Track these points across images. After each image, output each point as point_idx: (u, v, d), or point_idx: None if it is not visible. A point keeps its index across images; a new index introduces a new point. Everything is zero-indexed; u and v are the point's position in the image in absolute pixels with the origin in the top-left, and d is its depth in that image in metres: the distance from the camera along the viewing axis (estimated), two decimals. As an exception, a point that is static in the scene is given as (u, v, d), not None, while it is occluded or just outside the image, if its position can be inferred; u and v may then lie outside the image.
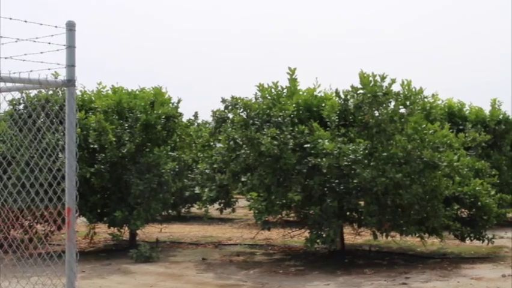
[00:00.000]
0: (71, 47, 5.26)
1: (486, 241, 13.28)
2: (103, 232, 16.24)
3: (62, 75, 5.34)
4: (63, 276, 5.34)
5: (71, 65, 5.33)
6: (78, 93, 15.14)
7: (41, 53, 5.18)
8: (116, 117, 14.44)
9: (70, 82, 5.34)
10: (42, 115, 6.90)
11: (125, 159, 14.17)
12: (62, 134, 5.63)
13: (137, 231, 15.49)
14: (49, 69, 5.20)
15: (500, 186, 17.19)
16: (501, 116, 19.41)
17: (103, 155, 13.79)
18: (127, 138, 14.01)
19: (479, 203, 13.12)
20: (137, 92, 15.41)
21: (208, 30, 68.74)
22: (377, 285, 10.44)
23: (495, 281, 10.52)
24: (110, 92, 15.27)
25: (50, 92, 12.37)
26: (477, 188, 13.15)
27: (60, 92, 11.90)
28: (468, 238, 13.32)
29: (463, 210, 13.73)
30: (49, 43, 5.17)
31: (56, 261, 5.81)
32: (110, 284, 10.96)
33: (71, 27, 5.24)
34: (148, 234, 17.00)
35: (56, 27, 5.14)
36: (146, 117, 14.46)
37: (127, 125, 14.35)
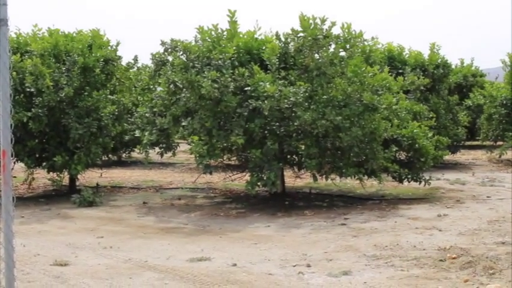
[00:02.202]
0: (2, -16, 5.08)
1: (423, 183, 13.56)
2: (42, 178, 16.04)
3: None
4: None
5: (2, 4, 5.15)
6: (13, 35, 14.77)
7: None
8: (53, 60, 14.12)
9: (2, 21, 5.17)
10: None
11: (64, 103, 13.92)
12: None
13: (78, 176, 15.35)
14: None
15: (438, 129, 17.54)
16: (439, 60, 19.66)
17: (40, 99, 13.51)
18: (64, 82, 13.75)
19: (416, 146, 13.36)
20: (74, 35, 15.08)
21: (148, -27, 67.72)
22: (317, 226, 10.58)
23: (431, 220, 10.77)
24: (46, 34, 14.91)
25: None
26: (415, 131, 13.37)
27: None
28: (406, 180, 13.58)
29: (401, 152, 13.97)
30: (-22, -20, 4.98)
31: (-8, 205, 5.70)
32: (50, 229, 10.87)
33: (1, -37, 5.04)
34: (88, 179, 16.86)
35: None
36: (84, 60, 14.19)
37: (64, 68, 14.07)
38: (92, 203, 13.20)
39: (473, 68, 26.37)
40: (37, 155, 14.39)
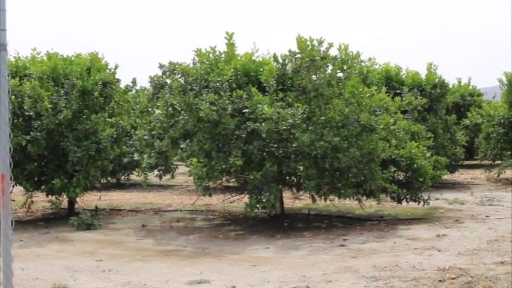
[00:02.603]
0: (1, 10, 5.13)
1: (422, 203, 13.56)
2: (41, 201, 16.03)
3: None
4: (-2, 244, 5.26)
5: (1, 29, 5.20)
6: (12, 59, 14.84)
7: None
8: (52, 83, 14.18)
9: (1, 46, 5.22)
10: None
11: (62, 126, 13.97)
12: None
13: (76, 199, 15.35)
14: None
15: (436, 149, 17.57)
16: (437, 79, 19.73)
17: (39, 122, 13.55)
18: (63, 105, 13.79)
19: (415, 166, 13.37)
20: (73, 58, 15.14)
21: (146, -5, 68.11)
22: (316, 248, 10.57)
23: (430, 240, 10.76)
24: (45, 58, 14.97)
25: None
26: (413, 151, 13.39)
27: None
28: (404, 200, 13.58)
29: (400, 172, 13.97)
30: (-23, 6, 5.03)
31: (-9, 230, 5.70)
32: (49, 253, 10.86)
33: (0, -11, 5.10)
34: (87, 202, 16.84)
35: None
36: (82, 84, 14.23)
37: (63, 91, 14.11)
38: (91, 226, 13.19)
39: (470, 87, 26.49)
40: (36, 178, 14.40)
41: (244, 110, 12.03)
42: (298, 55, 12.41)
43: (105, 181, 19.16)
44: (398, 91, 17.61)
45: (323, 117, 12.13)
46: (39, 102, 13.42)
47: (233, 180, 14.65)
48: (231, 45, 13.35)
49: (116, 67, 15.53)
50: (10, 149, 5.32)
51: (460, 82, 26.31)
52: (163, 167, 13.83)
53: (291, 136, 11.79)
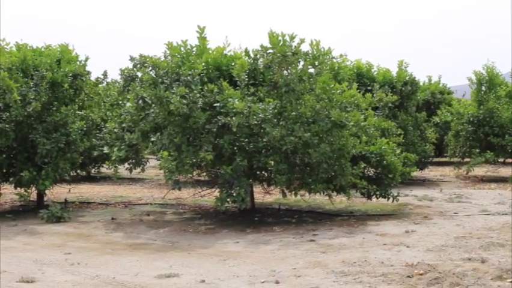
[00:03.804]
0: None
1: (391, 199, 13.65)
2: (9, 193, 15.89)
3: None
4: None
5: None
6: (-20, 49, 14.66)
7: None
8: (21, 75, 14.05)
9: (-31, 36, 5.14)
10: None
11: (31, 118, 13.85)
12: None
13: (46, 192, 15.24)
14: None
15: (406, 146, 17.72)
16: (407, 77, 19.89)
17: (8, 113, 13.41)
18: (32, 97, 13.67)
19: (384, 162, 13.44)
20: (42, 50, 15.01)
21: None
22: (286, 242, 10.58)
23: (399, 236, 10.83)
24: (14, 49, 14.82)
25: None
26: (383, 147, 13.46)
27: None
28: (374, 196, 13.66)
29: (370, 168, 14.03)
30: None
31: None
32: (16, 245, 10.75)
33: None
34: (57, 194, 16.73)
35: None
36: (52, 75, 14.12)
37: (32, 83, 13.98)
38: (61, 219, 13.10)
39: (440, 85, 26.73)
40: (4, 170, 14.28)
41: (215, 104, 12.00)
42: (270, 50, 12.40)
43: (75, 174, 19.02)
44: (369, 88, 17.68)
45: (293, 113, 12.15)
46: (8, 93, 13.28)
47: (204, 174, 14.63)
48: (202, 39, 13.32)
49: (86, 59, 15.44)
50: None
51: (430, 80, 26.56)
52: (133, 160, 13.76)
53: (262, 131, 11.79)
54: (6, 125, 13.32)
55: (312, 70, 12.61)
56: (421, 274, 7.98)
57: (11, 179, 14.33)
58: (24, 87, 13.77)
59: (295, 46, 12.28)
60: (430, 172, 23.51)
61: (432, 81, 26.52)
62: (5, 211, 14.90)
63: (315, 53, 12.51)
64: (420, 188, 18.60)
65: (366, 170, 13.87)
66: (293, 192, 12.82)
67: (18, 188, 14.36)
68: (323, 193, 12.87)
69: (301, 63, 12.50)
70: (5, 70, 13.60)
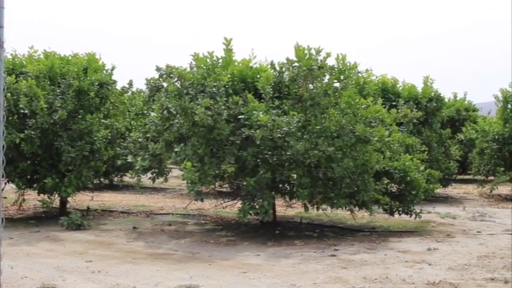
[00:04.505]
0: None
1: (414, 215, 13.56)
2: (33, 199, 16.01)
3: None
4: (-12, 241, 5.23)
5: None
6: (9, 56, 14.84)
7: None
8: (48, 82, 14.17)
9: (-1, 43, 5.21)
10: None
11: (57, 126, 13.95)
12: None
13: (68, 199, 15.34)
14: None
15: (430, 162, 17.58)
16: (433, 93, 19.77)
17: (34, 120, 13.54)
18: (58, 105, 13.78)
19: (408, 178, 13.36)
20: (70, 58, 15.12)
21: (145, -2, 68.15)
22: (307, 257, 10.55)
23: (421, 254, 10.75)
24: (42, 56, 14.96)
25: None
26: (407, 164, 13.39)
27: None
28: (397, 212, 13.58)
29: (393, 184, 13.96)
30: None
31: (-19, 227, 5.68)
32: (39, 251, 10.82)
33: (0, -13, 5.08)
34: (79, 202, 16.82)
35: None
36: (79, 84, 14.23)
37: (59, 91, 14.10)
38: (80, 226, 13.16)
39: (466, 102, 26.52)
40: (28, 177, 14.38)
41: (239, 116, 12.01)
42: (296, 63, 12.42)
43: (98, 182, 19.11)
44: (393, 103, 17.62)
45: (318, 127, 12.14)
46: (34, 100, 13.40)
47: (226, 185, 14.65)
48: (228, 50, 13.35)
49: (113, 68, 15.53)
50: (3, 146, 5.30)
51: (455, 96, 26.36)
52: (156, 170, 13.80)
53: (286, 144, 11.78)
54: (32, 132, 13.43)
55: (337, 84, 12.61)
56: (443, 293, 7.92)
57: (34, 185, 14.43)
58: (51, 95, 13.88)
59: (321, 60, 12.28)
60: (453, 189, 23.34)
61: (458, 98, 26.31)
62: (28, 217, 15.00)
63: (340, 67, 12.51)
64: (443, 205, 18.46)
65: (389, 186, 13.80)
66: (315, 206, 12.78)
67: (42, 195, 14.46)
68: (345, 208, 12.82)
69: (327, 77, 12.52)
70: (32, 78, 13.72)
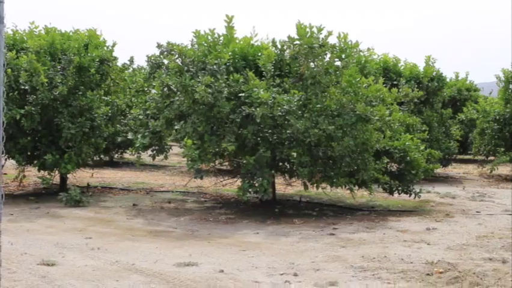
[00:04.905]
0: (-1, -18, 5.08)
1: (413, 195, 13.60)
2: (33, 175, 16.04)
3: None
4: (-13, 217, 5.24)
5: (-1, 2, 5.15)
6: (9, 32, 14.78)
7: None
8: (49, 58, 14.12)
9: (-2, 19, 5.18)
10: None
11: (57, 102, 13.92)
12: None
13: (68, 176, 15.36)
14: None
15: (430, 142, 17.62)
16: (434, 73, 19.72)
17: (34, 96, 13.51)
18: (59, 81, 13.75)
19: (408, 158, 13.37)
20: (71, 34, 15.07)
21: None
22: (306, 235, 10.57)
23: (420, 233, 10.77)
24: (43, 32, 14.91)
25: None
26: (407, 143, 13.38)
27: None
28: (396, 191, 13.61)
29: (392, 164, 13.97)
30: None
31: (-19, 203, 5.68)
32: (39, 228, 10.84)
33: (-1, -39, 5.05)
34: (79, 178, 16.85)
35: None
36: (79, 60, 14.19)
37: (59, 66, 14.08)
38: (79, 203, 13.19)
39: (467, 82, 26.48)
40: (29, 153, 14.38)
41: (240, 94, 11.98)
42: (297, 41, 12.38)
43: (98, 159, 19.13)
44: (395, 82, 17.59)
45: (318, 105, 12.12)
46: (35, 76, 13.37)
47: (226, 163, 14.66)
48: (230, 28, 13.30)
49: (114, 45, 15.47)
50: (3, 123, 5.29)
51: (457, 76, 26.32)
52: (156, 147, 13.81)
53: (286, 122, 11.76)
54: (33, 108, 13.42)
55: (338, 63, 12.58)
56: (441, 272, 7.93)
57: (35, 162, 14.44)
58: (52, 70, 13.85)
59: (322, 38, 12.25)
60: (453, 169, 23.37)
61: (459, 78, 26.27)
62: (29, 193, 15.03)
63: (342, 45, 12.47)
64: (443, 185, 18.48)
65: (389, 165, 13.81)
66: (315, 185, 12.79)
67: (42, 171, 14.48)
68: (345, 187, 12.84)
69: (328, 55, 12.48)
70: (33, 53, 13.68)
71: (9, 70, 13.18)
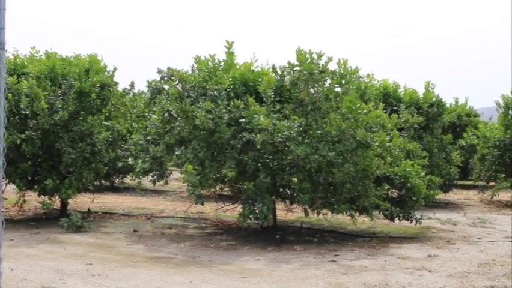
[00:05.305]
0: (0, 9, 5.11)
1: (414, 221, 13.54)
2: (34, 200, 16.00)
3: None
4: (-12, 244, 5.22)
5: (1, 28, 5.18)
6: (10, 57, 14.84)
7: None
8: (50, 83, 14.17)
9: (0, 45, 5.20)
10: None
11: (58, 127, 13.94)
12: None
13: (69, 201, 15.34)
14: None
15: (431, 168, 17.58)
16: (434, 98, 19.74)
17: (35, 121, 13.53)
18: (60, 106, 13.78)
19: (408, 184, 13.34)
20: (71, 59, 15.12)
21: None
22: (307, 262, 10.53)
23: (421, 260, 10.73)
24: (43, 57, 14.96)
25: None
26: (407, 169, 13.37)
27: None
28: (397, 218, 13.56)
29: (393, 190, 13.94)
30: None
31: (-19, 230, 5.67)
32: (39, 253, 10.80)
33: (2, -11, 5.08)
34: (80, 204, 16.83)
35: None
36: (80, 85, 14.23)
37: (60, 91, 14.11)
38: (80, 228, 13.15)
39: (467, 107, 26.52)
40: (29, 178, 14.38)
41: (240, 120, 11.99)
42: (297, 67, 12.42)
43: (98, 184, 19.12)
44: (395, 108, 17.61)
45: (319, 131, 12.13)
46: (36, 101, 13.40)
47: (227, 189, 14.64)
48: (230, 54, 13.35)
49: (114, 70, 15.51)
50: (4, 148, 5.29)
51: (457, 102, 26.38)
52: (157, 173, 13.80)
53: (286, 148, 11.77)
54: (33, 133, 13.43)
55: (338, 89, 12.60)
56: (443, 300, 7.89)
57: (35, 187, 14.43)
58: (52, 95, 13.88)
59: (322, 64, 12.29)
60: (454, 195, 23.33)
61: (459, 103, 26.32)
62: (29, 218, 14.99)
63: (342, 71, 12.52)
64: (444, 211, 18.44)
65: (389, 192, 13.79)
66: (316, 211, 12.76)
67: (42, 196, 14.46)
68: (346, 213, 12.79)
69: (328, 81, 12.52)
70: (33, 78, 13.71)
71: (10, 95, 13.22)
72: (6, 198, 16.25)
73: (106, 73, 15.23)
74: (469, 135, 23.66)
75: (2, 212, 5.32)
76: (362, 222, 14.63)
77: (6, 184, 14.43)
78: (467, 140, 23.55)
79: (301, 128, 11.98)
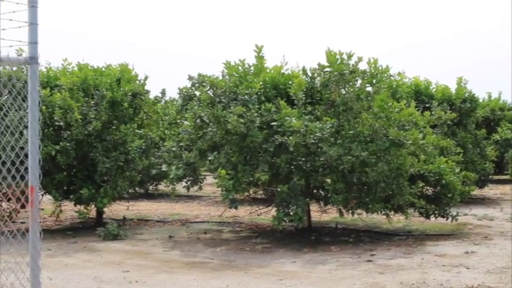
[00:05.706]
0: (33, 24, 5.18)
1: (450, 218, 13.44)
2: (70, 210, 16.16)
3: (26, 52, 5.28)
4: (27, 254, 5.31)
5: (33, 42, 5.25)
6: (43, 69, 15.02)
7: (3, 29, 5.10)
8: (82, 94, 14.30)
9: (33, 59, 5.27)
10: (5, 92, 6.78)
11: (91, 137, 14.08)
12: (25, 111, 5.53)
13: (104, 209, 15.45)
14: (11, 46, 5.14)
15: (465, 164, 17.41)
16: (467, 94, 19.57)
17: (69, 132, 13.68)
18: (93, 116, 13.90)
19: (443, 181, 13.25)
20: (103, 69, 15.25)
21: (178, 5, 68.42)
22: (343, 263, 10.51)
23: (458, 257, 10.66)
24: (75, 69, 15.12)
25: (15, 69, 12.20)
26: (442, 166, 13.27)
27: (25, 69, 11.73)
28: (433, 215, 13.47)
29: (428, 188, 13.86)
30: (10, 20, 5.09)
31: (20, 240, 5.76)
32: (76, 262, 10.92)
33: (33, 3, 5.15)
34: (115, 212, 16.96)
35: (17, 3, 5.06)
36: (112, 95, 14.35)
37: (93, 102, 14.23)
38: (117, 236, 13.25)
39: (501, 101, 26.25)
40: (65, 188, 14.52)
41: (272, 123, 12.02)
42: (328, 69, 12.42)
43: (133, 191, 19.25)
44: (427, 105, 17.49)
45: (351, 132, 12.11)
46: (69, 112, 13.54)
47: (260, 192, 14.66)
48: (260, 58, 13.37)
49: (146, 78, 15.62)
50: (40, 160, 5.36)
51: (490, 96, 26.09)
52: (190, 178, 13.87)
53: (319, 150, 11.76)
54: (67, 144, 13.58)
55: (369, 88, 12.57)
56: (482, 297, 7.84)
57: (71, 196, 14.57)
58: (85, 106, 14.01)
59: (352, 64, 12.27)
60: (490, 190, 23.09)
61: (492, 98, 26.07)
62: (66, 228, 15.15)
63: (372, 71, 12.49)
64: (480, 207, 18.27)
65: (424, 189, 13.71)
66: (350, 212, 12.73)
67: (78, 206, 14.61)
68: (381, 212, 12.75)
69: (359, 81, 12.49)
70: (66, 90, 13.87)
71: (44, 107, 13.37)
72: (43, 209, 16.41)
73: (137, 82, 15.34)
74: (503, 129, 23.40)
75: (40, 222, 5.40)
76: (398, 220, 14.56)
77: (42, 195, 14.59)
78: (502, 134, 23.30)
79: (333, 129, 11.97)
